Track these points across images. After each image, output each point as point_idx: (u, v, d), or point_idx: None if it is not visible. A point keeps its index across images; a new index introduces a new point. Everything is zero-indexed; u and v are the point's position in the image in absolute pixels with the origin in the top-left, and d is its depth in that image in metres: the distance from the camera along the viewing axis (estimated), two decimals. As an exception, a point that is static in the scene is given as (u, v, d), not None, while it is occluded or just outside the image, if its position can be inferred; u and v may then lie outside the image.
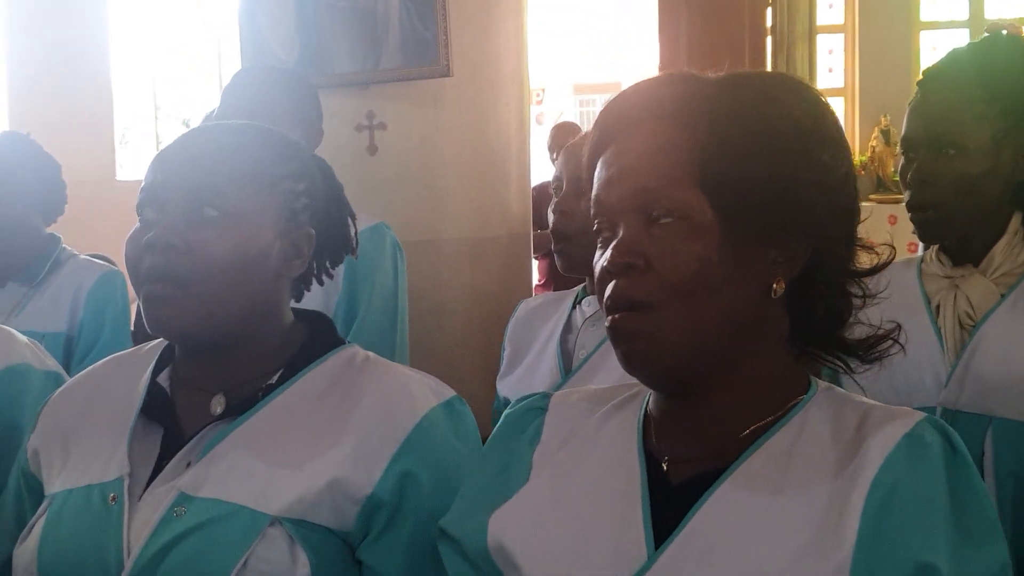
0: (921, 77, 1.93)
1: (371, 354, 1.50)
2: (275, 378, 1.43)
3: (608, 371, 2.07)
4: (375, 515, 1.33)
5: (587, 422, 1.27)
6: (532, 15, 4.02)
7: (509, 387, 2.27)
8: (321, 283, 1.59)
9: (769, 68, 6.86)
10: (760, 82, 1.18)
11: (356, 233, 1.60)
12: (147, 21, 11.39)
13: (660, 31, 6.66)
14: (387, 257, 2.77)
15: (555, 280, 5.46)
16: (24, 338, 1.87)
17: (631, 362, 1.14)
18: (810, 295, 1.17)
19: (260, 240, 1.39)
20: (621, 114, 1.20)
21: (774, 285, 1.13)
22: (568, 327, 2.21)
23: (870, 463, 1.07)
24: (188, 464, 1.37)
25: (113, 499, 1.36)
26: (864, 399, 1.18)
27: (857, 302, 1.20)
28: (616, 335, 1.14)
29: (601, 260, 1.16)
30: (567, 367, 2.15)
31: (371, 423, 1.36)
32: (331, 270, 1.59)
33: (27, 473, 1.52)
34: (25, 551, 1.39)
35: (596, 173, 1.20)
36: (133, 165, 9.95)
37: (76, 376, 1.60)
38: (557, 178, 2.16)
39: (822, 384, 1.19)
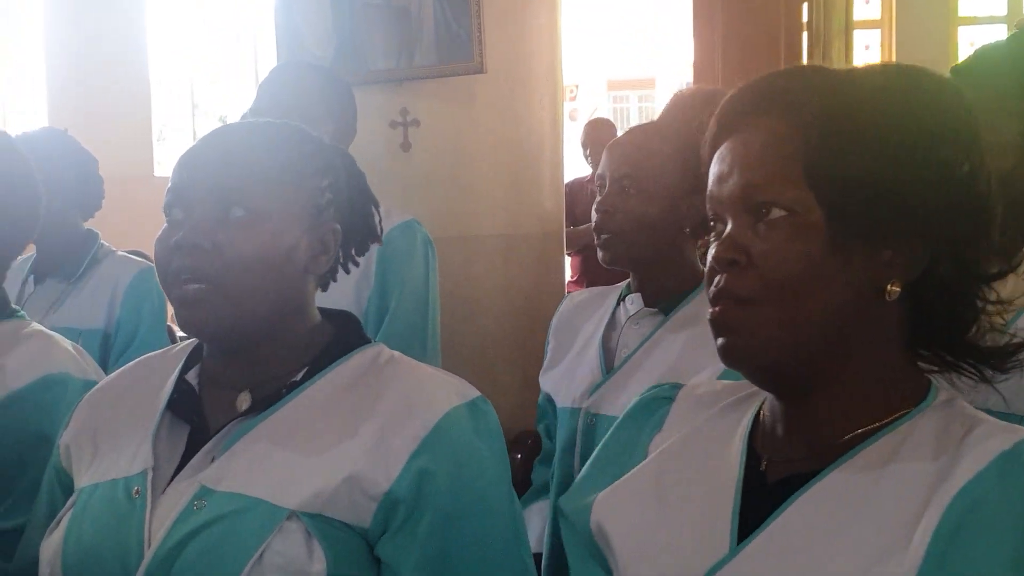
0: (951, 74, 1.92)
1: (396, 353, 1.50)
2: (300, 375, 1.44)
3: (649, 371, 2.07)
4: (393, 512, 1.33)
5: (705, 414, 1.28)
6: (566, 11, 4.02)
7: (551, 382, 2.27)
8: (347, 271, 1.60)
9: (804, 64, 6.81)
10: (878, 75, 1.15)
11: (380, 221, 1.61)
12: (184, 19, 11.45)
13: (695, 27, 6.63)
14: (418, 253, 2.78)
15: (588, 277, 5.46)
16: (68, 344, 1.87)
17: (727, 355, 1.14)
18: (931, 298, 1.13)
19: (287, 238, 1.40)
20: (737, 108, 1.18)
21: (888, 287, 1.10)
22: (612, 324, 2.21)
23: (958, 477, 1.04)
24: (212, 459, 1.38)
25: (137, 492, 1.38)
26: (980, 413, 1.13)
27: (990, 308, 1.14)
28: (715, 327, 1.14)
29: (709, 255, 1.15)
30: (608, 365, 2.15)
31: (391, 420, 1.36)
32: (356, 259, 1.60)
33: (59, 469, 1.55)
34: (51, 544, 1.41)
35: (711, 168, 1.19)
36: (170, 161, 9.98)
37: (109, 376, 1.62)
38: (600, 176, 2.17)
39: (943, 395, 1.15)
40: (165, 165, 9.97)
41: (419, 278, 2.78)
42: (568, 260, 5.28)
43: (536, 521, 2.26)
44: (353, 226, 1.55)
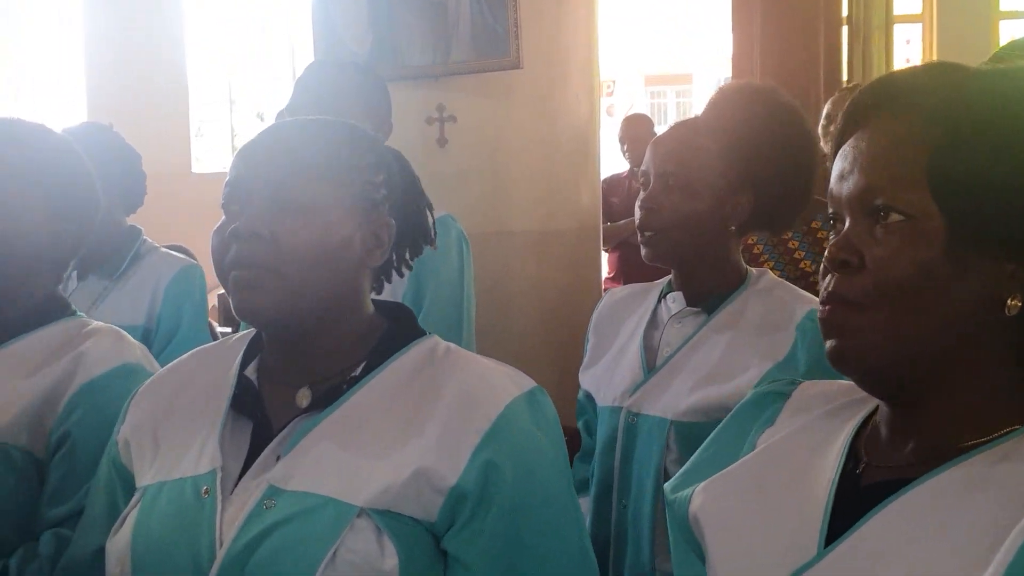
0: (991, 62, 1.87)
1: (452, 345, 1.51)
2: (359, 370, 1.45)
3: (692, 370, 2.05)
4: (460, 506, 1.34)
5: (815, 414, 1.26)
6: (603, 6, 4.01)
7: (591, 380, 2.26)
8: (401, 274, 1.61)
9: (844, 60, 6.77)
10: (1010, 77, 1.08)
11: (433, 223, 1.61)
12: (222, 15, 11.52)
13: (733, 21, 6.60)
14: (453, 249, 2.77)
15: (624, 273, 5.44)
16: (132, 339, 1.90)
17: (833, 357, 1.11)
18: None
19: (342, 230, 1.41)
20: (867, 103, 1.14)
21: (1009, 301, 1.05)
22: (653, 322, 2.19)
23: None
24: (278, 457, 1.39)
25: (206, 492, 1.38)
26: None
27: None
28: (824, 328, 1.11)
29: (825, 254, 1.12)
30: (650, 364, 2.13)
31: (454, 414, 1.37)
32: (410, 261, 1.61)
33: (117, 464, 1.55)
34: (118, 542, 1.42)
35: (834, 165, 1.15)
36: (208, 157, 10.07)
37: (164, 368, 1.63)
38: (644, 172, 2.15)
39: None
40: (203, 161, 10.03)
41: (454, 274, 2.78)
42: (604, 256, 5.27)
43: None
44: (408, 225, 1.56)
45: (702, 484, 1.26)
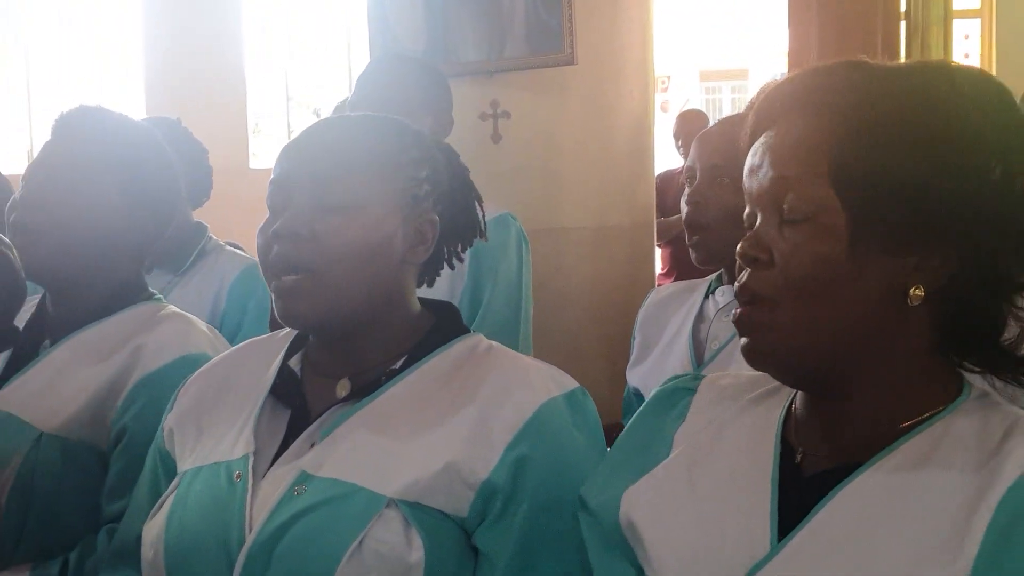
0: None
1: (495, 343, 1.51)
2: (399, 363, 1.45)
3: (740, 363, 2.04)
4: (491, 501, 1.34)
5: (731, 407, 1.26)
6: (658, 1, 4.00)
7: (639, 377, 2.26)
8: (452, 267, 1.61)
9: (903, 54, 6.70)
10: (916, 74, 1.11)
11: (484, 216, 1.62)
12: (279, 12, 11.60)
13: (790, 17, 6.54)
14: (512, 247, 2.77)
15: (679, 269, 5.42)
16: (204, 326, 1.92)
17: (749, 355, 1.14)
18: (958, 304, 1.09)
19: (384, 227, 1.42)
20: (775, 102, 1.16)
21: (911, 292, 1.07)
22: (700, 317, 2.18)
23: (1007, 474, 1.02)
24: (312, 444, 1.40)
25: (238, 476, 1.39)
26: (1017, 409, 1.11)
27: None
28: (738, 326, 1.14)
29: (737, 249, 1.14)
30: (699, 358, 2.13)
31: (490, 409, 1.37)
32: (461, 254, 1.61)
33: (162, 451, 1.57)
34: (153, 526, 1.43)
35: (745, 162, 1.17)
36: (266, 153, 10.15)
37: (214, 359, 1.65)
38: (690, 168, 2.14)
39: (975, 390, 1.13)
40: (260, 157, 10.12)
41: (513, 273, 2.77)
42: (659, 252, 5.25)
43: None
44: (455, 220, 1.55)
45: (630, 488, 1.24)
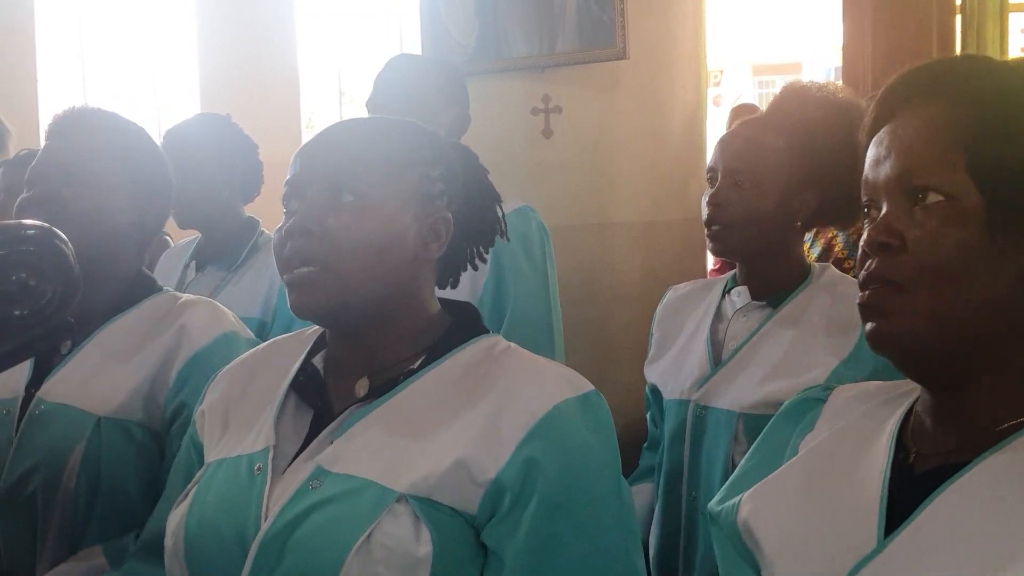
0: None
1: (512, 344, 1.52)
2: (417, 363, 1.47)
3: (758, 364, 2.07)
4: (499, 499, 1.34)
5: (856, 412, 1.27)
6: (710, -5, 3.98)
7: (657, 374, 2.28)
8: (475, 267, 1.63)
9: (959, 49, 6.62)
10: None
11: (503, 216, 1.63)
12: (332, 9, 11.66)
13: (844, 10, 6.49)
14: (534, 242, 2.76)
15: (730, 265, 5.39)
16: (225, 308, 2.00)
17: (874, 339, 1.13)
18: None
19: (396, 224, 1.44)
20: (899, 92, 1.18)
21: None
22: (718, 316, 2.22)
23: None
24: (331, 441, 1.42)
25: (258, 469, 1.43)
26: None
27: None
28: (865, 311, 1.13)
29: (862, 239, 1.15)
30: (716, 358, 2.15)
31: (502, 408, 1.38)
32: (484, 254, 1.62)
33: (195, 440, 1.61)
34: (176, 515, 1.46)
35: (869, 151, 1.19)
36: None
37: (244, 354, 1.68)
38: (712, 168, 2.17)
39: None
40: (313, 152, 10.15)
41: (537, 269, 2.76)
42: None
43: (638, 500, 2.27)
44: (472, 220, 1.57)
45: (748, 491, 1.26)
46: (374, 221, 1.42)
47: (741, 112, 6.19)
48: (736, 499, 1.27)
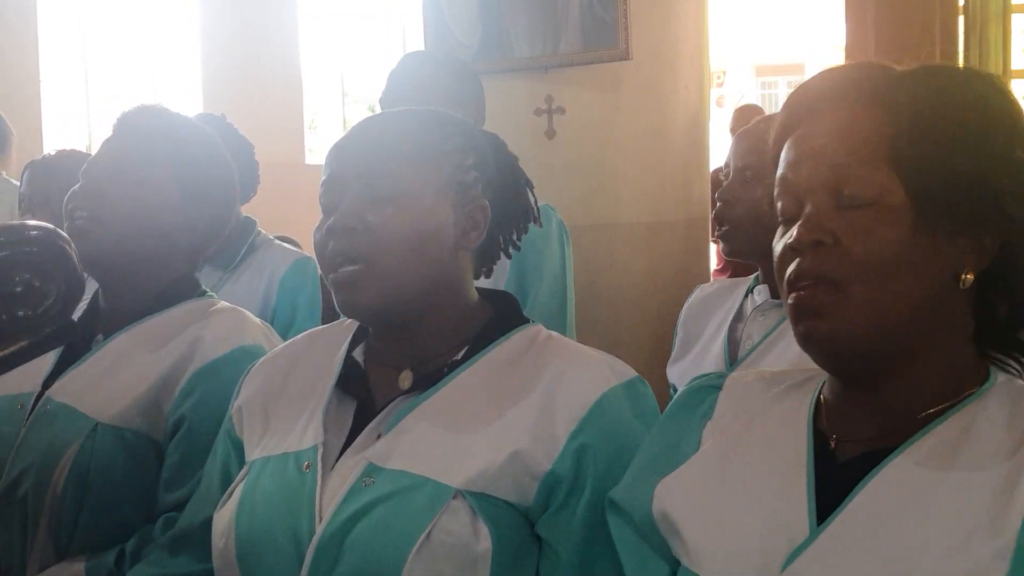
0: None
1: (554, 333, 1.52)
2: (460, 354, 1.47)
3: (772, 363, 2.06)
4: (554, 491, 1.35)
5: (760, 401, 1.28)
6: (713, -4, 3.98)
7: (678, 373, 2.28)
8: (508, 255, 1.62)
9: (961, 49, 6.62)
10: (956, 74, 1.17)
11: (536, 203, 1.62)
12: (335, 9, 11.67)
13: (847, 11, 6.49)
14: (554, 240, 2.77)
15: (733, 265, 5.39)
16: (257, 320, 1.94)
17: (811, 340, 1.14)
18: (995, 291, 1.15)
19: (435, 215, 1.44)
20: (812, 97, 1.21)
21: (963, 276, 1.12)
22: (739, 315, 2.20)
23: None
24: (378, 436, 1.41)
25: (307, 467, 1.41)
26: None
27: None
28: (800, 311, 1.13)
29: (784, 239, 1.16)
30: (733, 356, 2.14)
31: (552, 399, 1.38)
32: (517, 242, 1.62)
33: (232, 436, 1.59)
34: (224, 515, 1.45)
35: (783, 154, 1.20)
36: (321, 149, 10.21)
37: (278, 347, 1.67)
38: (726, 164, 2.17)
39: (1002, 376, 1.17)
40: (316, 153, 10.19)
41: (556, 265, 2.78)
42: (713, 247, 5.23)
43: None
44: (506, 206, 1.57)
45: (662, 481, 1.26)
46: (414, 213, 1.42)
47: (744, 113, 6.20)
48: (647, 488, 1.27)
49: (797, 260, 1.13)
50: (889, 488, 1.09)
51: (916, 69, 1.18)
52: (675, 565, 1.22)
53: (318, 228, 1.45)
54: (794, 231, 1.13)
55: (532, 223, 1.63)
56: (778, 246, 1.17)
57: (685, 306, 2.37)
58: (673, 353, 2.33)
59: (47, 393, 1.82)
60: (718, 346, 2.17)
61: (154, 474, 1.77)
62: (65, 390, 1.81)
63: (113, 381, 1.80)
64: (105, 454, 1.73)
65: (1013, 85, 7.02)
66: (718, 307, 2.27)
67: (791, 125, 1.21)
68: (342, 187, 1.45)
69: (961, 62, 6.71)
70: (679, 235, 3.69)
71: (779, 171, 1.20)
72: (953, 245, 1.11)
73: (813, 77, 1.24)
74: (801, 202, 1.15)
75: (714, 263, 5.28)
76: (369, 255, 1.40)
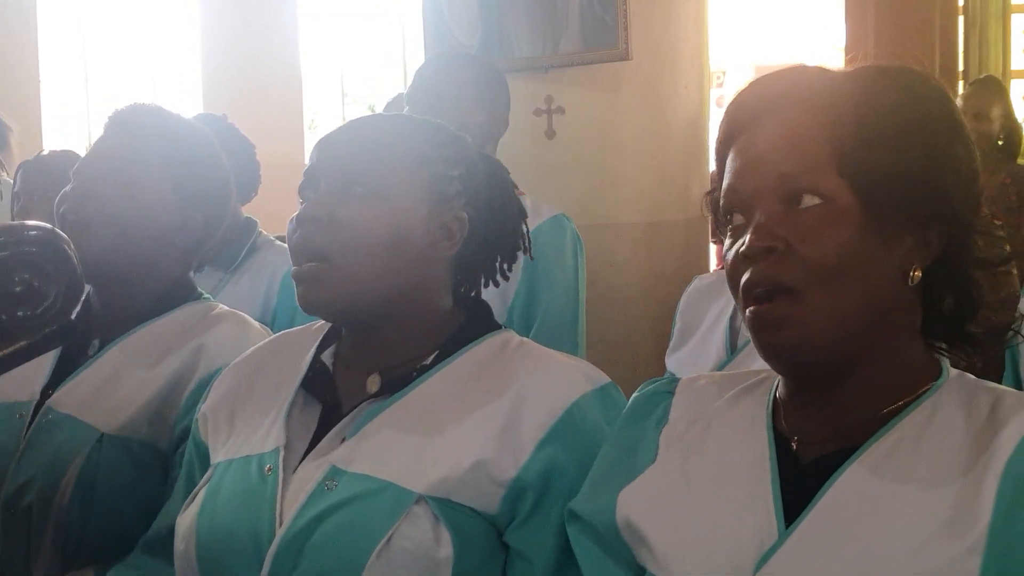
0: None
1: (526, 339, 1.51)
2: (430, 359, 1.46)
3: None
4: (520, 499, 1.34)
5: (714, 404, 1.28)
6: (712, -4, 3.97)
7: (677, 363, 2.27)
8: (497, 284, 1.61)
9: (961, 49, 6.62)
10: (896, 75, 1.19)
11: (528, 232, 1.61)
12: (334, 9, 11.66)
13: (847, 11, 6.49)
14: (568, 250, 2.75)
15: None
16: (258, 325, 1.93)
17: (776, 352, 1.14)
18: (941, 285, 1.18)
19: (406, 219, 1.43)
20: (753, 103, 1.21)
21: (911, 272, 1.14)
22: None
23: (1003, 445, 1.07)
24: (343, 439, 1.41)
25: (269, 470, 1.41)
26: (995, 385, 1.17)
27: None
28: (762, 325, 1.13)
29: (735, 247, 1.16)
30: (733, 346, 2.14)
31: (520, 406, 1.37)
32: (507, 271, 1.60)
33: (197, 441, 1.58)
34: (186, 518, 1.45)
35: (728, 163, 1.21)
36: (320, 149, 10.18)
37: (248, 350, 1.66)
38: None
39: (953, 371, 1.19)
40: (315, 153, 10.14)
41: (569, 276, 2.75)
42: (713, 248, 5.22)
43: None
44: (492, 230, 1.55)
45: (624, 490, 1.25)
46: (383, 213, 1.41)
47: (744, 113, 6.18)
48: (609, 497, 1.26)
49: (750, 268, 1.13)
50: (855, 487, 1.10)
51: (855, 71, 1.20)
52: (639, 573, 1.22)
53: (291, 219, 1.45)
54: (746, 239, 1.14)
55: (523, 254, 1.62)
56: (729, 255, 1.17)
57: (684, 295, 2.37)
58: (672, 342, 2.33)
59: (48, 403, 1.80)
60: (718, 335, 2.17)
61: (159, 483, 1.75)
62: (67, 400, 1.79)
63: (116, 391, 1.78)
64: (111, 464, 1.72)
65: (1013, 85, 7.02)
66: (717, 297, 2.27)
67: (733, 133, 1.22)
68: (318, 179, 1.45)
69: (961, 62, 6.72)
70: (678, 235, 3.68)
71: (725, 181, 1.20)
72: (901, 243, 1.13)
73: (752, 83, 1.24)
74: (750, 210, 1.15)
75: (714, 263, 5.27)
76: (331, 252, 1.40)
